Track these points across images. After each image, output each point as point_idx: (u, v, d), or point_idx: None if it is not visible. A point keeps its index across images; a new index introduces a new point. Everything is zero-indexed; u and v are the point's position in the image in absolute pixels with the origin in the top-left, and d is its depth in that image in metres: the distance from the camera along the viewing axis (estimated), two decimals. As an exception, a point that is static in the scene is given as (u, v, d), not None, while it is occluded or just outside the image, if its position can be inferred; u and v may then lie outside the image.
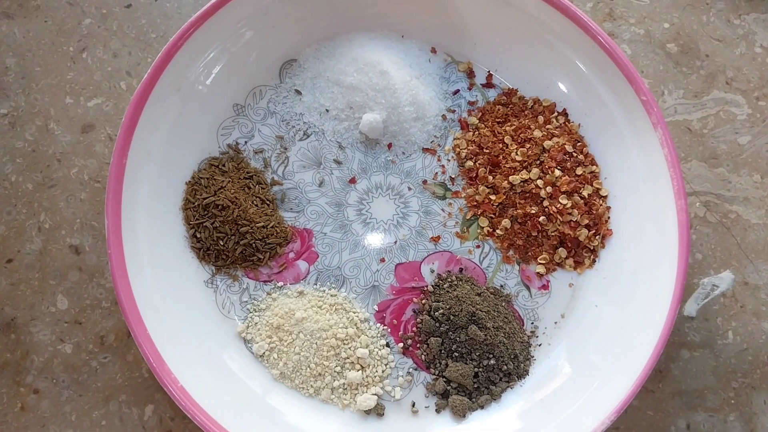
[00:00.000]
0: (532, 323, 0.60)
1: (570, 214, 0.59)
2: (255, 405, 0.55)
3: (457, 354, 0.57)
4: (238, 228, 0.58)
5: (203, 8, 0.56)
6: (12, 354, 0.58)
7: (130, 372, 0.58)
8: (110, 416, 0.57)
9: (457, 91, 0.63)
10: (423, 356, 0.58)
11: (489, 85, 0.64)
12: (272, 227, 0.59)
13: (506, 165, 0.61)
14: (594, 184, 0.61)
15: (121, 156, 0.54)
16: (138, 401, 0.57)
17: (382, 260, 0.60)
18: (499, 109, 0.63)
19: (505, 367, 0.57)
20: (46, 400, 0.57)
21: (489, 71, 0.63)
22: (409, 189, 0.62)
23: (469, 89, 0.63)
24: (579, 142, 0.62)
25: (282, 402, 0.56)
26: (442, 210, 0.61)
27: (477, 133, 0.62)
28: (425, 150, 0.62)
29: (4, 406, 0.57)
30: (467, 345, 0.57)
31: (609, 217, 0.60)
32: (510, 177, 0.60)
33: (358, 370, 0.57)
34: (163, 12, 0.64)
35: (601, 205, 0.60)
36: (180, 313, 0.56)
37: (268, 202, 0.60)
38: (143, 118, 0.55)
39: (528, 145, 0.61)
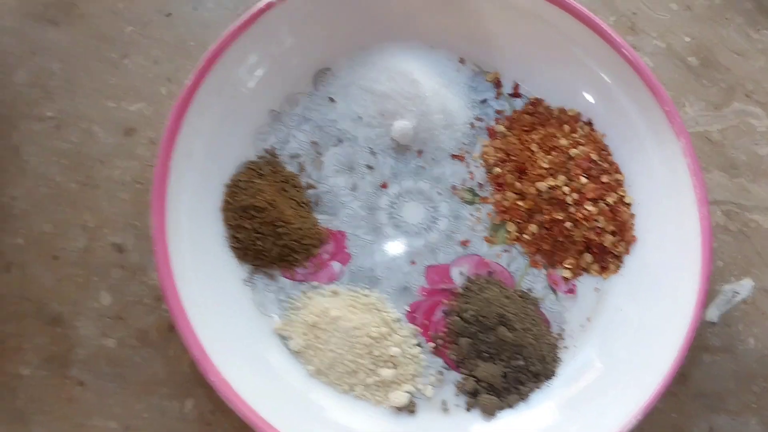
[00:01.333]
0: (559, 326, 0.61)
1: (596, 220, 0.61)
2: (294, 399, 0.56)
3: (486, 354, 0.59)
4: (275, 229, 0.59)
5: (249, 12, 0.57)
6: (58, 347, 0.59)
7: (171, 367, 0.59)
8: (152, 409, 0.59)
9: (484, 100, 0.65)
10: (453, 356, 0.60)
11: (516, 94, 0.65)
12: (308, 229, 0.61)
13: (533, 172, 0.62)
14: (618, 192, 0.62)
15: (165, 158, 0.56)
16: (179, 395, 0.59)
17: (413, 263, 0.62)
18: (525, 118, 0.65)
19: (533, 367, 0.59)
20: (90, 392, 0.59)
21: (515, 81, 0.65)
22: (439, 194, 0.64)
23: (497, 98, 0.65)
24: (604, 150, 0.64)
25: (321, 397, 0.58)
26: (471, 215, 0.63)
27: (504, 140, 0.64)
28: (454, 156, 0.64)
29: (51, 397, 0.59)
30: (496, 346, 0.58)
31: (633, 224, 0.62)
32: (537, 183, 0.62)
33: (390, 368, 0.58)
34: (201, 21, 0.66)
35: (625, 212, 0.62)
36: (220, 310, 0.57)
37: (303, 205, 0.62)
38: (186, 121, 0.57)
39: (554, 153, 0.63)
